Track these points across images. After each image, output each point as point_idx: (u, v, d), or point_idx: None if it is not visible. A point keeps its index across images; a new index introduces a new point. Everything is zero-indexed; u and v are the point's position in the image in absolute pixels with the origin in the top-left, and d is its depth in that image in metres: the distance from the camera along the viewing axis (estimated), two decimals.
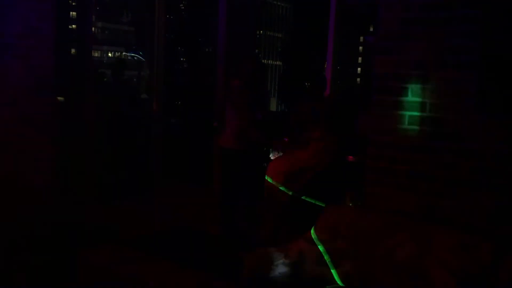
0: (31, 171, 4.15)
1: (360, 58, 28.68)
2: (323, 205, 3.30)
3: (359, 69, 28.74)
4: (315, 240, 2.91)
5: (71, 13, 7.14)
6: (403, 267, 2.52)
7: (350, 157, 4.20)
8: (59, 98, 5.15)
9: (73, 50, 6.63)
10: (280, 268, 2.81)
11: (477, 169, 2.69)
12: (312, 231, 2.98)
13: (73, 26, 6.73)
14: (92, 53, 6.43)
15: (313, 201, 3.69)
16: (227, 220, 4.51)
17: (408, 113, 2.91)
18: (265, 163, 4.61)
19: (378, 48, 3.01)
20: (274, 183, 3.91)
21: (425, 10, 2.82)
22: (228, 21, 5.61)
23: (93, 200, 5.53)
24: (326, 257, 2.83)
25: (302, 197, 3.76)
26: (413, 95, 2.89)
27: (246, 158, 4.46)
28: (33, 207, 4.04)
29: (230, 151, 4.45)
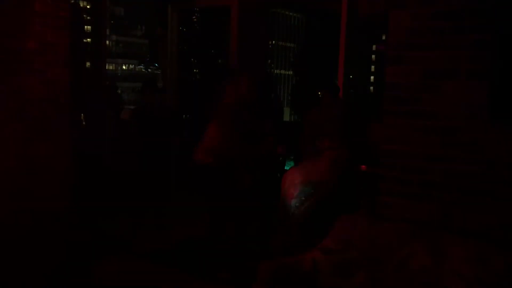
0: (47, 185, 4.21)
1: (373, 67, 28.60)
2: (336, 215, 3.30)
3: (372, 77, 28.64)
4: (328, 251, 2.91)
5: (85, 27, 7.24)
6: (417, 278, 2.50)
7: (363, 166, 4.19)
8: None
9: (88, 64, 6.70)
10: None
11: (492, 178, 2.67)
12: (325, 241, 2.98)
13: (87, 40, 6.81)
14: (107, 66, 6.50)
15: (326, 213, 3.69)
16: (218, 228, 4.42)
17: (420, 122, 2.90)
18: (279, 174, 4.61)
19: (389, 58, 3.01)
20: (288, 194, 3.91)
21: (435, 19, 2.82)
22: (240, 32, 5.66)
23: (108, 213, 5.57)
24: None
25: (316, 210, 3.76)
26: (425, 104, 2.88)
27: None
28: (50, 218, 4.08)
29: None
